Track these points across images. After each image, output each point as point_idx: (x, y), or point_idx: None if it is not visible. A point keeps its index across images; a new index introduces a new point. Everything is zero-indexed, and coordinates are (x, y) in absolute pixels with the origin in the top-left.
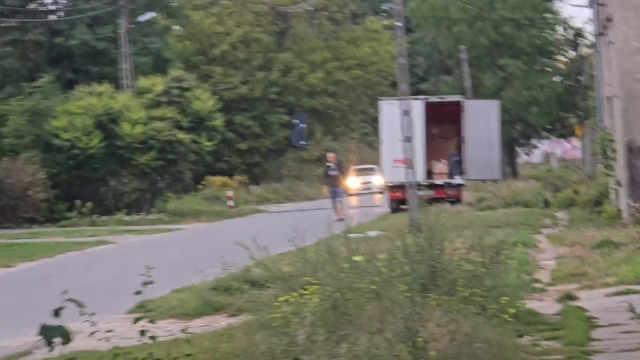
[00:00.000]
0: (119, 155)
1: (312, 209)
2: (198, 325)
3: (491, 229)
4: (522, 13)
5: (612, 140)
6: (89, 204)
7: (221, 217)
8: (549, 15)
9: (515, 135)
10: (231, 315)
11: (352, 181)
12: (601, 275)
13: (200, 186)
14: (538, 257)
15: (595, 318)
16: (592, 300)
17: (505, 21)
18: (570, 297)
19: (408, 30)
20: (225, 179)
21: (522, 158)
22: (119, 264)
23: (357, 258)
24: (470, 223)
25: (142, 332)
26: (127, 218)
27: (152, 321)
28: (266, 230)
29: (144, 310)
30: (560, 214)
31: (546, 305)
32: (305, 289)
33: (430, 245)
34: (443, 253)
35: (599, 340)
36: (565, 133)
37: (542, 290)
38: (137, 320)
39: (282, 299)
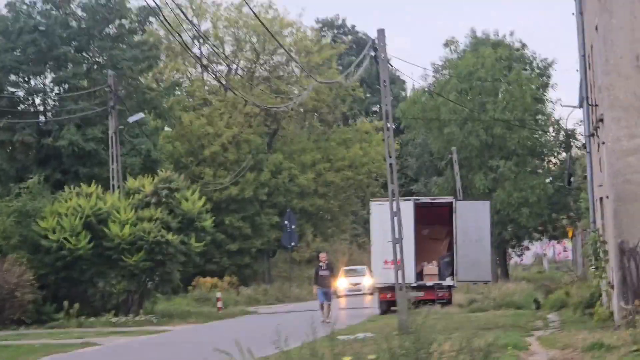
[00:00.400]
0: (108, 256)
1: (301, 311)
2: None
3: (481, 331)
4: (513, 114)
5: (604, 242)
6: (77, 305)
7: (210, 318)
8: (540, 117)
9: (507, 236)
10: None
11: (342, 282)
12: None
13: (190, 287)
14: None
15: None
16: None
17: (496, 122)
18: None
19: (399, 131)
20: (214, 280)
21: (514, 259)
22: None
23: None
24: (460, 325)
25: None
26: (114, 319)
27: None
28: (253, 332)
29: None
30: (552, 316)
31: None
32: None
33: (417, 350)
34: (431, 357)
35: None
36: (557, 234)
37: None
38: None
39: None
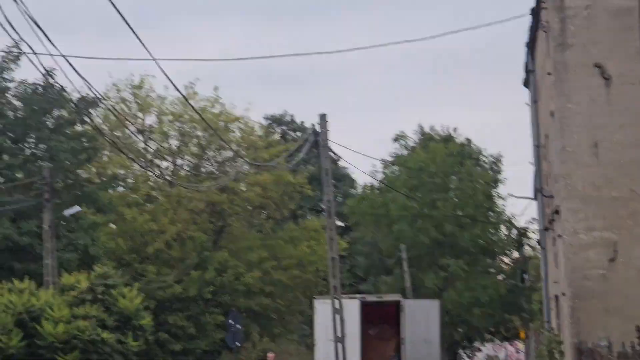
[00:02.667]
0: (40, 354)
1: None
2: None
3: None
4: (465, 211)
5: (560, 342)
6: None
7: None
8: (492, 214)
9: (457, 337)
10: None
11: None
12: None
13: None
14: None
15: None
16: None
17: (447, 220)
18: None
19: (347, 229)
20: None
21: None
22: None
23: None
24: None
25: None
26: None
27: None
28: None
29: None
30: None
31: None
32: None
33: None
34: None
35: None
36: (509, 336)
37: None
38: None
39: None
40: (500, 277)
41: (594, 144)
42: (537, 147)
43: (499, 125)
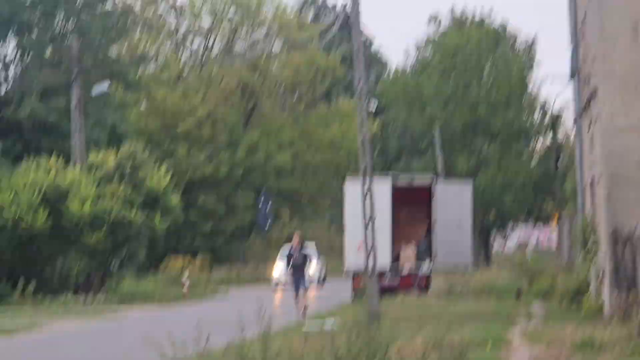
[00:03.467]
0: (67, 234)
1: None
2: None
3: (459, 322)
4: (499, 94)
5: (594, 228)
6: (33, 285)
7: (174, 300)
8: (526, 98)
9: (489, 221)
10: None
11: (278, 269)
12: None
13: (160, 267)
14: (510, 357)
15: None
16: None
17: (480, 103)
18: None
19: (380, 111)
20: (186, 260)
21: (496, 245)
22: (42, 356)
23: None
24: (436, 315)
25: None
26: (72, 300)
27: None
28: (215, 317)
29: None
30: (536, 306)
31: None
32: None
33: (371, 352)
34: None
35: None
36: (541, 220)
37: None
38: None
39: None
40: (533, 161)
41: (635, 25)
42: (575, 27)
43: (536, 4)
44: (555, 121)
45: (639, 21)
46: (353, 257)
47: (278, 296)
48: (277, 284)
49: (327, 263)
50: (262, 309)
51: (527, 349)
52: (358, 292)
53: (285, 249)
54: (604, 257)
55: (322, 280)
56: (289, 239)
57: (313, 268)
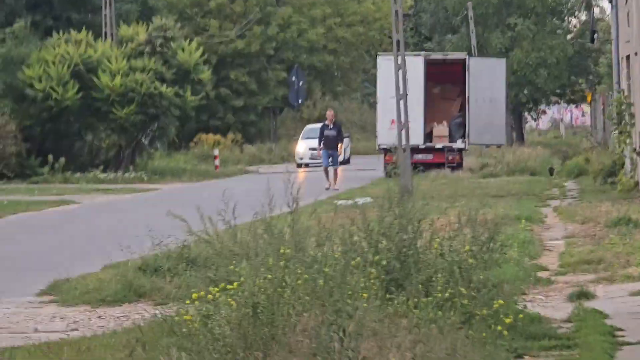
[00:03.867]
0: (97, 108)
1: (306, 171)
2: (112, 315)
3: (492, 199)
4: None
5: (630, 104)
6: (63, 160)
7: (205, 177)
8: None
9: (523, 99)
10: (157, 304)
11: (301, 147)
12: (622, 263)
13: (191, 144)
14: (544, 235)
15: (620, 330)
16: (612, 300)
17: None
18: (584, 294)
19: None
20: (217, 137)
21: (529, 123)
22: (69, 229)
23: None
24: (469, 192)
25: None
26: (102, 176)
27: None
28: (245, 194)
29: (55, 293)
30: (569, 184)
31: (554, 306)
32: (232, 282)
33: (403, 225)
34: (420, 236)
35: None
36: (576, 99)
37: (549, 281)
38: None
39: (194, 295)
40: (568, 38)
41: None
42: None
43: None
44: None
45: None
46: (385, 134)
47: (301, 175)
48: (300, 164)
49: (359, 141)
50: (291, 185)
51: (562, 225)
52: (390, 169)
53: (309, 128)
54: (639, 133)
55: (347, 160)
56: (319, 119)
57: (344, 145)
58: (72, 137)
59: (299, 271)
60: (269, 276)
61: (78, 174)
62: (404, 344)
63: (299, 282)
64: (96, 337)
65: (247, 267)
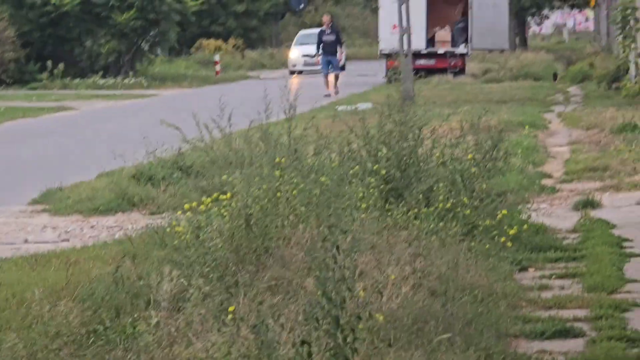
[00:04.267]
0: (96, 13)
1: (306, 77)
2: (105, 225)
3: (495, 105)
4: None
5: (635, 8)
6: (62, 65)
7: (206, 82)
8: None
9: (526, 3)
10: (151, 214)
11: (294, 53)
12: (628, 171)
13: (192, 49)
14: (548, 141)
15: (628, 240)
16: (619, 209)
17: None
18: (590, 203)
19: None
20: (219, 42)
21: (532, 28)
22: (65, 136)
23: None
24: (473, 97)
25: None
26: (101, 82)
27: None
28: (243, 100)
29: (47, 202)
30: (573, 89)
31: (559, 215)
32: (225, 193)
33: (403, 133)
34: (421, 144)
35: (636, 281)
36: (579, 3)
37: (553, 190)
38: None
39: (187, 206)
40: None
41: None
42: None
43: None
44: None
45: None
46: (387, 39)
47: (295, 81)
48: (294, 71)
49: (362, 47)
50: (289, 91)
51: (566, 131)
52: (391, 74)
53: (303, 34)
54: None
55: (343, 67)
56: (320, 24)
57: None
58: (71, 43)
59: (295, 181)
60: (264, 187)
61: (77, 80)
62: (403, 257)
63: (294, 192)
64: (86, 249)
65: (240, 177)
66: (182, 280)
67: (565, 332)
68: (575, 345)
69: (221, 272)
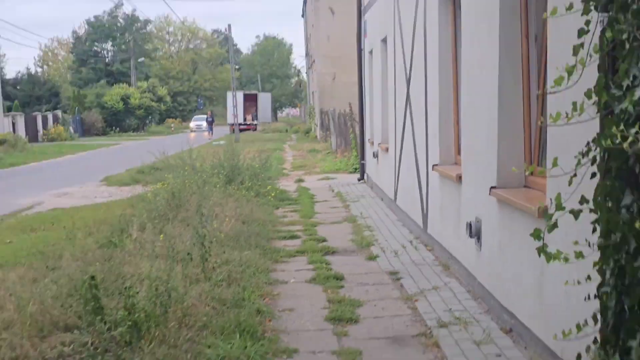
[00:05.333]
0: None
1: (196, 133)
2: (126, 190)
3: (266, 141)
4: None
5: (313, 107)
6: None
7: (164, 134)
8: None
9: (277, 104)
10: (143, 186)
11: (192, 123)
12: (312, 166)
13: (165, 122)
14: (284, 155)
15: (314, 195)
16: (311, 182)
17: None
18: (300, 180)
19: None
20: (177, 120)
21: (284, 112)
22: (110, 154)
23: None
24: (259, 138)
25: None
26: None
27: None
28: (176, 141)
29: (106, 181)
30: (294, 136)
31: (289, 185)
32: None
33: (233, 156)
34: (239, 160)
35: (319, 213)
36: (295, 104)
37: (287, 175)
38: None
39: (152, 186)
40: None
41: None
42: None
43: None
44: None
45: None
46: (230, 118)
47: (192, 135)
48: (192, 131)
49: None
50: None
51: (291, 151)
52: (232, 131)
53: (195, 117)
54: (316, 119)
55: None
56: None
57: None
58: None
59: (194, 176)
60: (179, 180)
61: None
62: (232, 207)
63: (191, 182)
64: (116, 201)
65: (172, 175)
66: (145, 219)
67: (293, 237)
68: (297, 243)
69: (161, 214)
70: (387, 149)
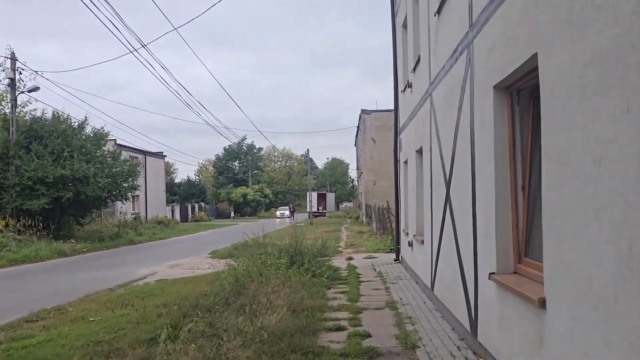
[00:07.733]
0: None
1: (281, 219)
2: (224, 262)
3: (325, 224)
4: None
5: (361, 203)
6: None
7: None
8: None
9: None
10: (235, 259)
11: (277, 213)
12: (360, 245)
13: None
14: (341, 235)
15: (360, 275)
16: (358, 261)
17: None
18: (350, 258)
19: None
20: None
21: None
22: (219, 234)
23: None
24: (325, 222)
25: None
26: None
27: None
28: (247, 227)
29: (212, 254)
30: (348, 220)
31: (341, 262)
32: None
33: (297, 241)
34: (302, 245)
35: (364, 295)
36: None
37: (341, 252)
38: None
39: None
40: None
41: None
42: None
43: None
44: None
45: None
46: (310, 208)
47: (278, 220)
48: (277, 218)
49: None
50: (275, 223)
51: (346, 232)
52: (310, 217)
53: (281, 208)
54: (362, 210)
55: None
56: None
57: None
58: None
59: (262, 257)
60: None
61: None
62: (286, 292)
63: (258, 264)
64: (211, 273)
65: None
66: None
67: (339, 328)
68: (342, 337)
69: (224, 299)
70: (422, 241)
